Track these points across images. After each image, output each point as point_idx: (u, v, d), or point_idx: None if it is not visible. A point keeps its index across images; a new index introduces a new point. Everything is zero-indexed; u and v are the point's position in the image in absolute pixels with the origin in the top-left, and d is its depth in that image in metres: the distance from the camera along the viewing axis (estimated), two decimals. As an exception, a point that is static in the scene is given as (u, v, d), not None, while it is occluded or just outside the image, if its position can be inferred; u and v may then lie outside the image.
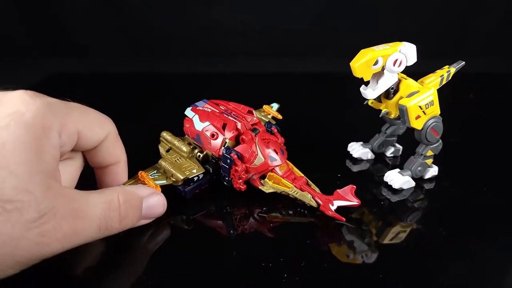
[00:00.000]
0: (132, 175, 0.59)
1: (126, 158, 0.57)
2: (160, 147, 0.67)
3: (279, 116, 0.76)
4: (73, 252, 0.51)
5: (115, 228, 0.47)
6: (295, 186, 0.59)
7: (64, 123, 0.45)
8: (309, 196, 0.58)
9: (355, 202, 0.56)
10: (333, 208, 0.57)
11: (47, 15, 1.30)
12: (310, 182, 0.61)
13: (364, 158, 0.74)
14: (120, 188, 0.51)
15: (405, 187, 0.65)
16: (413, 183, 0.66)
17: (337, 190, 0.58)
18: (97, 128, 0.50)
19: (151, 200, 0.52)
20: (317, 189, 0.60)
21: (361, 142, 0.75)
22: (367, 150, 0.74)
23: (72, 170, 0.53)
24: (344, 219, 0.56)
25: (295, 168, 0.62)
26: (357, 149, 0.74)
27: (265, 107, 0.78)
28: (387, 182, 0.66)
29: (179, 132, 0.68)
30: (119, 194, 0.48)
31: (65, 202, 0.41)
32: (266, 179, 0.61)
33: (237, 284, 0.49)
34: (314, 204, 0.58)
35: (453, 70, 0.66)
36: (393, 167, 0.69)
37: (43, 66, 1.26)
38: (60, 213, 0.40)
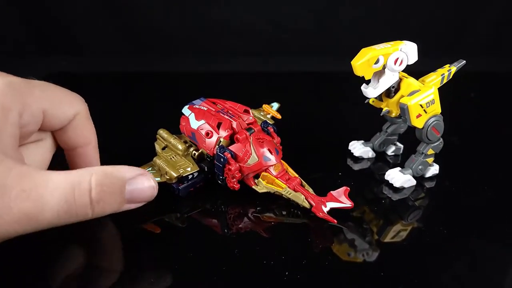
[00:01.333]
0: None
1: (97, 141, 0.55)
2: (156, 145, 0.67)
3: (278, 116, 0.76)
4: (62, 246, 0.51)
5: (85, 214, 0.41)
6: (288, 187, 0.59)
7: (26, 102, 0.43)
8: (302, 197, 0.58)
9: (348, 204, 0.56)
10: (325, 209, 0.56)
11: (47, 14, 1.30)
12: (304, 183, 0.61)
13: (365, 156, 0.74)
14: (98, 169, 0.43)
15: (406, 185, 0.65)
16: (414, 182, 0.66)
17: (331, 191, 0.57)
18: (65, 107, 0.49)
19: (136, 183, 0.46)
20: (310, 190, 0.60)
21: (362, 141, 0.75)
22: (368, 148, 0.74)
23: (43, 151, 0.51)
24: (335, 221, 0.56)
25: (289, 169, 0.62)
26: (358, 148, 0.74)
27: (264, 106, 0.78)
28: (388, 181, 0.66)
29: (176, 130, 0.68)
30: (93, 176, 0.42)
31: (18, 182, 0.38)
32: (259, 179, 0.61)
33: (238, 282, 0.49)
34: (307, 205, 0.58)
35: (453, 69, 0.66)
36: (394, 166, 0.69)
37: (42, 65, 1.26)
38: (10, 194, 0.37)
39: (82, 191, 0.41)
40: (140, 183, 0.46)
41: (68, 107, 0.49)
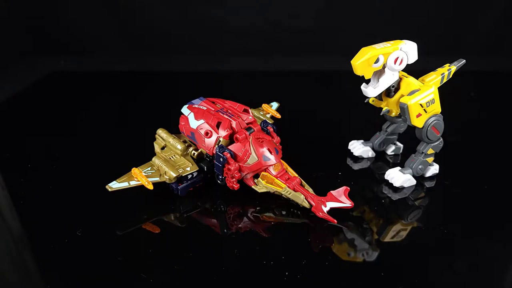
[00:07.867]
0: (127, 171, 0.59)
1: None
2: (155, 144, 0.67)
3: (278, 115, 0.76)
4: (60, 246, 0.51)
5: None
6: (288, 187, 0.58)
7: None
8: (302, 196, 0.58)
9: (348, 204, 0.56)
10: (325, 209, 0.56)
11: (46, 14, 1.30)
12: (304, 183, 0.61)
13: (365, 156, 0.74)
14: None
15: (406, 185, 0.65)
16: (414, 181, 0.66)
17: (331, 191, 0.57)
18: None
19: None
20: (310, 190, 0.59)
21: (362, 140, 0.75)
22: (368, 148, 0.74)
23: None
24: (335, 221, 0.56)
25: (289, 168, 0.62)
26: (358, 147, 0.74)
27: (264, 105, 0.78)
28: (388, 180, 0.66)
29: (175, 130, 0.68)
30: None
31: None
32: (259, 179, 0.61)
33: (238, 282, 0.49)
34: (306, 205, 0.58)
35: (453, 68, 0.65)
36: (394, 165, 0.69)
37: (42, 65, 1.26)
38: None
39: None
40: None
41: None
